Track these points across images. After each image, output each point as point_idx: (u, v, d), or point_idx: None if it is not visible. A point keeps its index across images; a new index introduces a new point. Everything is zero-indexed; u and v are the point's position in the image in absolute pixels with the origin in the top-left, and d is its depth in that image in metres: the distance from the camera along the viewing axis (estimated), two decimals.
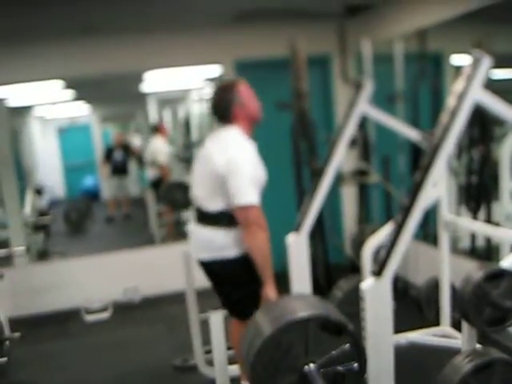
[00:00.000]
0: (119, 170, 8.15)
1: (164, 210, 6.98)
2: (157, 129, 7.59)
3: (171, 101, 8.17)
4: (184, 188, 6.15)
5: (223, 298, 3.10)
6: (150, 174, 7.73)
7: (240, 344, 2.30)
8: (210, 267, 3.03)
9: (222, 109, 2.99)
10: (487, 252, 4.58)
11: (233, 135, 2.95)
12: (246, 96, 3.01)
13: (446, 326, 3.81)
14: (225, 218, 2.91)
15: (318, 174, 3.80)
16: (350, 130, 3.75)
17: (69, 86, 6.01)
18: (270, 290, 2.87)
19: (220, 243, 2.92)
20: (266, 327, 2.19)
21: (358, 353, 2.22)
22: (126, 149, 8.13)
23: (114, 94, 7.40)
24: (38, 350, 4.59)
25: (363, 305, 2.67)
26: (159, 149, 7.43)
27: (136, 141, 8.57)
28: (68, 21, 4.67)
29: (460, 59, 5.12)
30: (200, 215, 3.04)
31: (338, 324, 2.26)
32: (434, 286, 3.99)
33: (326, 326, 2.24)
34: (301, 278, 3.65)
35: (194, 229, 3.08)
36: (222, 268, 2.97)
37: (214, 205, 2.94)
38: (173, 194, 6.26)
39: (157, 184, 7.33)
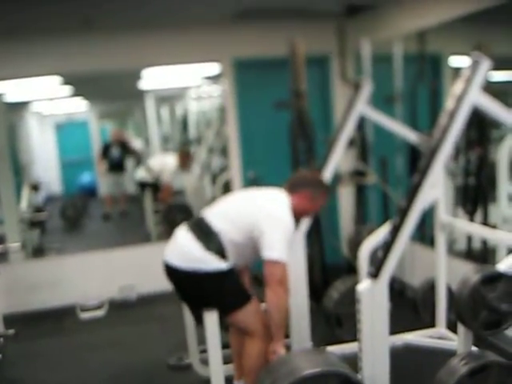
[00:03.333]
0: (116, 167, 8.13)
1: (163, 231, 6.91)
2: (179, 152, 7.56)
3: (169, 98, 8.18)
4: (185, 210, 6.19)
5: (196, 303, 3.07)
6: (141, 174, 7.76)
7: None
8: (181, 275, 2.97)
9: (299, 184, 3.16)
10: (483, 254, 4.59)
11: (284, 201, 3.03)
12: (319, 201, 3.17)
13: (441, 328, 3.81)
14: (215, 242, 2.90)
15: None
16: (348, 131, 3.75)
17: (67, 82, 6.00)
18: (278, 347, 2.86)
19: (198, 257, 2.89)
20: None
21: None
22: (124, 146, 8.11)
23: (111, 90, 7.40)
24: (33, 347, 4.57)
25: (359, 306, 2.66)
26: (168, 166, 7.44)
27: (136, 143, 8.56)
28: (66, 17, 4.65)
29: (459, 61, 5.12)
30: (197, 224, 3.03)
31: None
32: (430, 288, 3.99)
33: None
34: (297, 278, 3.65)
35: (181, 234, 3.04)
36: (195, 277, 2.91)
37: (218, 224, 2.94)
38: (172, 216, 6.26)
39: (144, 186, 7.37)
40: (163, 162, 7.56)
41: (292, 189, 3.11)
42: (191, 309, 3.19)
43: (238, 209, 3.02)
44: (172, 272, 3.01)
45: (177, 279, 3.04)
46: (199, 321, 3.02)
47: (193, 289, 3.00)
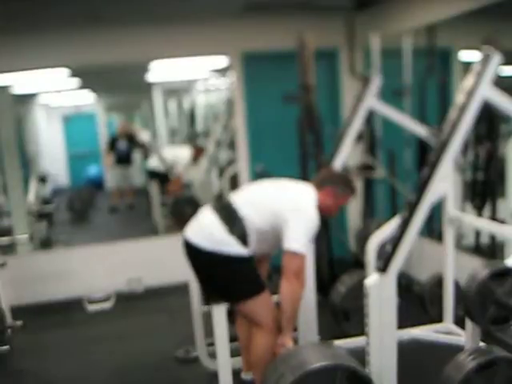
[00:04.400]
0: (123, 160, 8.14)
1: (171, 224, 6.91)
2: (194, 146, 7.58)
3: (177, 91, 8.17)
4: (193, 203, 6.18)
5: (211, 285, 3.07)
6: (152, 164, 7.74)
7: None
8: (201, 254, 2.96)
9: (328, 180, 3.20)
10: (492, 249, 4.57)
11: (312, 196, 3.05)
12: (342, 199, 3.22)
13: (449, 323, 3.80)
14: (239, 227, 2.91)
15: (324, 168, 3.79)
16: (356, 125, 3.74)
17: (74, 74, 5.99)
18: (287, 340, 2.88)
19: (221, 239, 2.89)
20: (287, 374, 2.36)
21: None
22: (131, 138, 8.12)
23: (119, 83, 7.39)
24: (40, 339, 4.59)
25: (367, 301, 2.66)
26: (182, 159, 7.43)
27: (144, 135, 8.56)
28: (75, 9, 4.66)
29: (468, 55, 5.09)
30: (223, 207, 3.04)
31: (364, 378, 2.43)
32: (438, 283, 3.99)
33: (351, 378, 2.40)
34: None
35: (206, 214, 3.04)
36: (214, 258, 2.92)
37: (244, 210, 2.95)
38: (180, 209, 6.26)
39: (155, 175, 7.37)
40: (177, 154, 7.55)
41: (319, 184, 3.15)
42: (203, 288, 3.17)
43: (267, 196, 3.04)
44: (191, 250, 3.00)
45: (195, 258, 3.03)
46: (208, 301, 3.04)
47: (210, 269, 3.00)
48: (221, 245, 2.87)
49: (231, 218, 2.94)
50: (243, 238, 2.89)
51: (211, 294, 2.99)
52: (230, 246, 2.87)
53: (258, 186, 3.20)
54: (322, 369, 2.36)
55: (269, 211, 2.94)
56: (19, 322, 4.29)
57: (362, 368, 2.45)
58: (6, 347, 4.10)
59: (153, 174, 7.56)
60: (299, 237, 2.84)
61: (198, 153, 7.45)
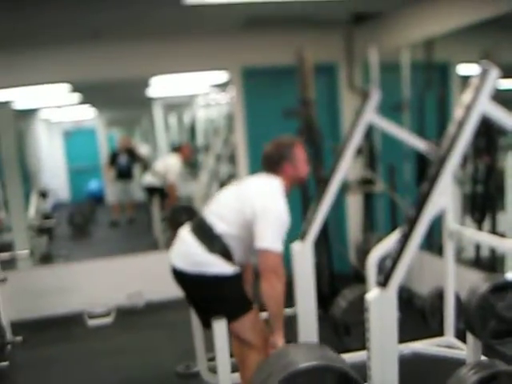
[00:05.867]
0: (124, 175, 8.17)
1: (168, 230, 6.89)
2: (178, 149, 7.60)
3: (177, 106, 8.20)
4: (189, 212, 6.18)
5: (201, 306, 3.07)
6: (148, 179, 7.76)
7: None
8: (185, 278, 2.98)
9: (274, 161, 3.10)
10: (492, 263, 4.57)
11: (274, 185, 3.03)
12: (300, 158, 3.14)
13: (450, 337, 3.79)
14: (218, 244, 2.90)
15: (323, 183, 3.80)
16: (356, 139, 3.75)
17: (75, 89, 6.03)
18: (278, 339, 2.88)
19: (201, 260, 2.89)
20: (274, 374, 2.29)
21: None
22: (131, 153, 8.14)
23: (119, 98, 7.44)
24: (40, 354, 4.57)
25: (368, 315, 2.66)
26: (172, 166, 7.45)
27: (143, 149, 8.59)
28: (76, 25, 4.69)
29: (467, 69, 5.12)
30: (199, 226, 3.03)
31: (355, 381, 2.34)
32: (439, 296, 3.99)
33: (340, 380, 2.32)
34: (305, 286, 3.65)
35: (184, 236, 3.04)
36: (200, 282, 2.92)
37: (220, 226, 2.94)
38: (177, 217, 6.25)
39: (151, 191, 7.38)
40: (167, 163, 7.57)
41: (273, 169, 3.09)
42: (197, 312, 3.18)
43: (234, 206, 2.98)
44: (178, 275, 3.01)
45: (182, 282, 3.04)
46: (205, 325, 3.04)
47: (196, 292, 3.01)
48: (204, 266, 2.87)
49: (209, 237, 2.93)
50: (225, 253, 2.89)
51: (205, 317, 2.98)
52: (213, 266, 2.87)
53: (223, 196, 3.14)
54: (310, 369, 2.29)
55: (241, 220, 2.91)
56: (19, 338, 4.28)
57: (352, 369, 2.36)
58: (5, 363, 4.08)
59: (150, 190, 7.58)
60: (270, 234, 2.82)
61: (187, 151, 7.50)
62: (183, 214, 6.23)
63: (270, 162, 3.12)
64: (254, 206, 2.90)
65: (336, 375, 2.31)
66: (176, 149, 7.71)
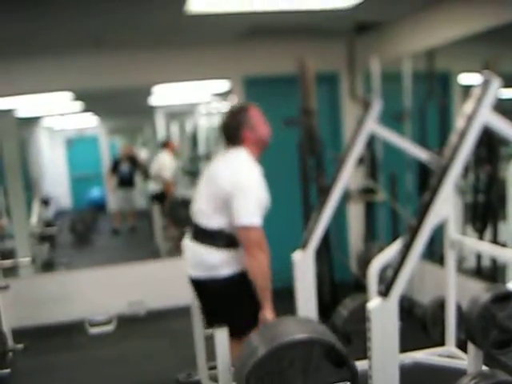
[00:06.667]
0: (126, 183, 8.18)
1: (168, 225, 6.92)
2: (165, 144, 7.62)
3: (179, 114, 8.22)
4: (187, 205, 6.16)
5: (215, 317, 3.01)
6: (152, 187, 7.77)
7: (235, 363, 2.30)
8: (202, 286, 3.03)
9: (232, 131, 3.03)
10: (493, 272, 4.57)
11: (240, 157, 2.99)
12: (257, 120, 3.06)
13: (451, 347, 3.79)
14: (222, 238, 2.93)
15: (325, 192, 3.81)
16: (358, 149, 3.76)
17: (77, 97, 6.05)
18: (267, 313, 2.89)
19: (213, 262, 2.91)
20: (261, 346, 2.19)
21: None
22: (133, 161, 8.16)
23: (122, 106, 7.46)
24: (41, 361, 4.57)
25: (369, 325, 2.66)
26: (165, 164, 7.46)
27: (143, 154, 8.61)
28: (78, 34, 4.71)
29: (468, 78, 5.14)
30: (197, 231, 3.04)
31: (341, 355, 2.26)
32: (440, 306, 3.98)
33: (328, 354, 2.23)
34: (306, 295, 3.65)
35: (189, 245, 3.08)
36: (215, 287, 2.96)
37: (213, 222, 2.95)
38: (176, 211, 6.25)
39: (158, 198, 7.37)
40: (160, 162, 7.57)
41: (235, 140, 3.03)
42: (208, 323, 3.14)
43: (208, 195, 2.97)
44: (193, 283, 3.05)
45: (198, 290, 3.08)
46: (210, 325, 3.06)
47: (212, 298, 3.03)
48: (217, 269, 2.90)
49: (207, 236, 2.95)
50: (231, 243, 2.91)
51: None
52: (225, 265, 2.90)
53: (198, 191, 3.12)
54: (296, 342, 2.18)
55: (221, 204, 2.89)
56: (21, 345, 4.28)
57: (340, 344, 2.27)
58: (7, 370, 4.07)
59: (154, 197, 7.58)
60: (247, 209, 2.81)
61: (172, 145, 7.59)
62: (182, 208, 6.20)
63: (229, 134, 3.05)
64: (226, 184, 2.87)
65: (324, 349, 2.22)
66: (164, 144, 7.70)
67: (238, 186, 2.84)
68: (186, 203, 6.41)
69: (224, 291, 2.95)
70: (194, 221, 3.09)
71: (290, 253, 3.69)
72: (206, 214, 2.99)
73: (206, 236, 2.97)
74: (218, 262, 2.91)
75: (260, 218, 2.86)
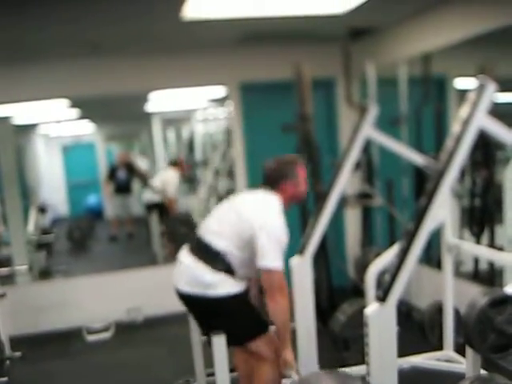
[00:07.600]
0: (123, 189, 8.17)
1: (165, 243, 6.89)
2: (175, 163, 7.64)
3: (175, 121, 8.23)
4: (188, 224, 6.17)
5: (210, 328, 2.98)
6: (148, 196, 7.77)
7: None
8: (193, 301, 2.99)
9: (276, 177, 3.12)
10: (490, 276, 4.57)
11: (272, 202, 3.04)
12: (301, 177, 3.17)
13: (449, 351, 3.78)
14: (221, 262, 2.90)
15: (322, 197, 3.81)
16: (354, 154, 3.77)
17: (74, 104, 6.05)
18: (288, 354, 2.91)
19: (208, 281, 2.88)
20: None
21: None
22: (130, 168, 8.15)
23: (118, 113, 7.46)
24: (39, 369, 4.56)
25: (367, 330, 2.66)
26: (170, 180, 7.48)
27: (142, 163, 8.60)
28: (74, 40, 4.71)
29: (464, 83, 5.15)
30: (199, 246, 3.02)
31: None
32: (438, 310, 3.98)
33: None
34: (304, 300, 3.65)
35: (185, 260, 3.03)
36: (208, 304, 2.93)
37: (221, 244, 2.93)
38: (175, 229, 6.24)
39: (154, 207, 7.36)
40: (164, 178, 7.59)
41: (274, 187, 3.09)
42: (205, 333, 3.14)
43: (233, 223, 2.97)
44: (184, 298, 3.01)
45: (190, 305, 3.05)
46: (206, 333, 3.04)
47: (206, 315, 3.01)
48: (210, 288, 2.87)
49: (209, 255, 2.93)
50: (228, 270, 2.90)
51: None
52: (220, 286, 2.87)
53: (219, 212, 3.14)
54: None
55: (239, 235, 2.92)
56: (18, 353, 4.27)
57: None
58: (4, 378, 4.07)
59: (150, 207, 7.58)
60: (270, 252, 2.83)
61: (183, 164, 7.54)
62: (182, 226, 6.21)
63: (271, 179, 3.13)
64: (252, 222, 2.89)
65: None
66: (173, 163, 7.73)
67: (265, 227, 2.87)
68: (186, 221, 6.46)
69: (217, 309, 2.94)
70: (199, 235, 3.08)
71: (288, 258, 3.68)
72: (216, 233, 2.99)
73: (208, 254, 2.95)
74: (213, 281, 2.88)
75: (282, 262, 2.88)
